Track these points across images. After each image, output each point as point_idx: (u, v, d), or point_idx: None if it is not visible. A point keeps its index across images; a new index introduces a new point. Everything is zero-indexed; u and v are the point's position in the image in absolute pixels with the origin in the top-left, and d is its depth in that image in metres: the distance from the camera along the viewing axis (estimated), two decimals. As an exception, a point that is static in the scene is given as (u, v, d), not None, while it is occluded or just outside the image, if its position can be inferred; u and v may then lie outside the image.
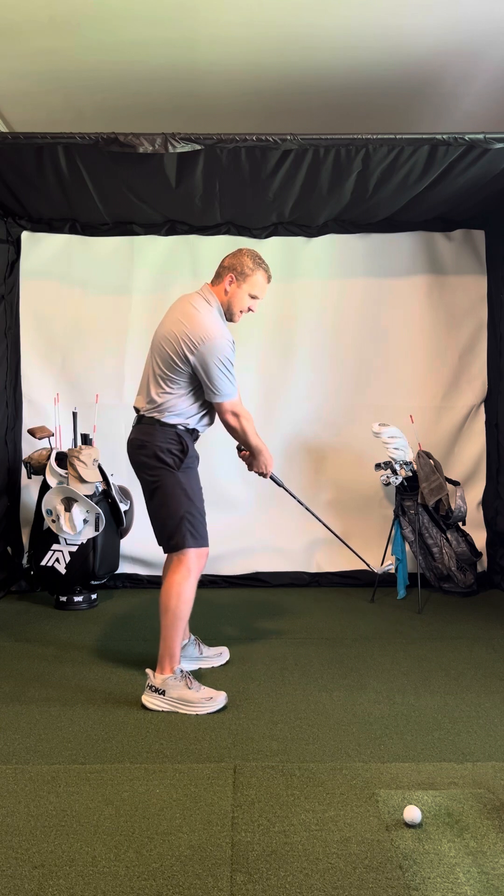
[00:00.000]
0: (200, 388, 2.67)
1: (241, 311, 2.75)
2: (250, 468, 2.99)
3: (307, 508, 3.45)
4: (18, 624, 3.63)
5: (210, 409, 2.77)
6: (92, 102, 3.66)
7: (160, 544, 2.72)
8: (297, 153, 3.25)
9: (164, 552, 2.71)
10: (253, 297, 2.74)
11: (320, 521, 3.54)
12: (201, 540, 2.67)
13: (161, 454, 2.65)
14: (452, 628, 3.54)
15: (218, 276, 2.76)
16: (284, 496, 4.59)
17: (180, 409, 2.68)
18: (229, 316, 2.75)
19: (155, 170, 3.36)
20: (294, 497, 3.34)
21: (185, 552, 2.63)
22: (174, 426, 2.68)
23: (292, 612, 3.84)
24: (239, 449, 3.00)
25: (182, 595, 2.61)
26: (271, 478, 3.06)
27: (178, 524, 2.63)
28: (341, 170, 3.42)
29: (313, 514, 3.51)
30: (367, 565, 3.79)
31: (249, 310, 2.77)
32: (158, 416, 2.68)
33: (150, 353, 2.77)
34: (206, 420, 2.80)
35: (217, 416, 2.79)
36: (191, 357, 2.58)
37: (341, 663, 3.06)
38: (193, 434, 2.76)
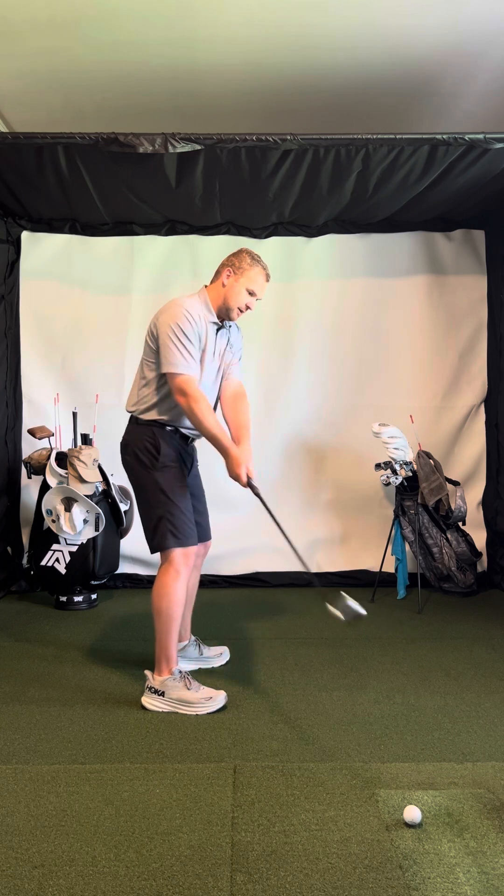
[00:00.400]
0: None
1: (238, 308, 2.72)
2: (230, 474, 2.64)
3: (290, 543, 2.78)
4: (18, 624, 3.63)
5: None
6: (92, 102, 3.66)
7: (147, 544, 2.72)
8: (297, 153, 3.25)
9: (150, 552, 2.71)
10: (251, 294, 2.71)
11: (297, 554, 2.84)
12: (185, 539, 2.63)
13: (139, 453, 2.67)
14: (452, 628, 3.54)
15: (217, 274, 2.76)
16: (284, 495, 4.55)
17: (150, 401, 2.68)
18: (227, 313, 2.72)
19: (155, 170, 3.37)
20: (276, 523, 2.69)
21: (171, 552, 2.62)
22: (150, 424, 2.69)
23: (292, 612, 3.84)
24: None
25: (171, 596, 2.60)
26: (250, 486, 2.60)
27: (158, 524, 2.63)
28: (341, 170, 3.42)
29: (294, 550, 2.81)
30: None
31: (248, 307, 2.75)
32: (137, 415, 2.73)
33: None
34: (183, 419, 2.70)
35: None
36: (154, 329, 2.64)
37: (341, 663, 3.06)
38: (178, 434, 2.74)
